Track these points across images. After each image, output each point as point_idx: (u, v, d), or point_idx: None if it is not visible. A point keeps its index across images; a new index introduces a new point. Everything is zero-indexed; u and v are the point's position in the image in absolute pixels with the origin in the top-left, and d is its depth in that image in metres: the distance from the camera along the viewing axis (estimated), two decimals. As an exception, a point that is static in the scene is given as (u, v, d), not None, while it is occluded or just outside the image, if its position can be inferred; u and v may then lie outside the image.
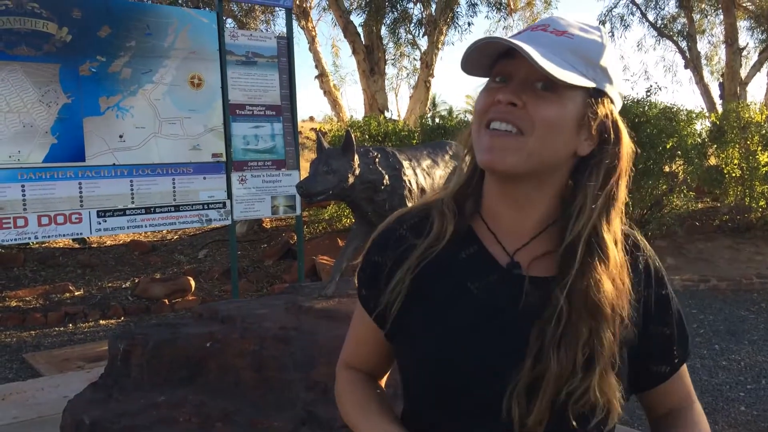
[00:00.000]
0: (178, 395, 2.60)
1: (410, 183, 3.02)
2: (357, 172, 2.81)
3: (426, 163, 3.19)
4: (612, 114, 0.90)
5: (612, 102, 0.90)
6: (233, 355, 2.66)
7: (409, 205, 3.02)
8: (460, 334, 0.90)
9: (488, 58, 0.89)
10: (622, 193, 0.91)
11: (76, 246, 8.85)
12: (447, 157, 3.31)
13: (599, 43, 0.88)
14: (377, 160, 2.92)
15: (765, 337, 5.52)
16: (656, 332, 0.96)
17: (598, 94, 0.88)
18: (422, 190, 3.10)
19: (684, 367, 1.02)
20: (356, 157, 2.82)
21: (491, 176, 0.92)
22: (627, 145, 0.91)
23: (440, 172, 3.23)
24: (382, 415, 0.96)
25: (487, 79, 0.92)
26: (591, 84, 0.86)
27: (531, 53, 0.81)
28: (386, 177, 2.92)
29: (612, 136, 0.90)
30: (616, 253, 0.88)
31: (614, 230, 0.90)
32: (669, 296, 0.98)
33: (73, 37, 4.49)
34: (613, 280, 0.87)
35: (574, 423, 0.83)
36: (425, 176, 3.13)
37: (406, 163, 3.04)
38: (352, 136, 2.79)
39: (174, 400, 2.56)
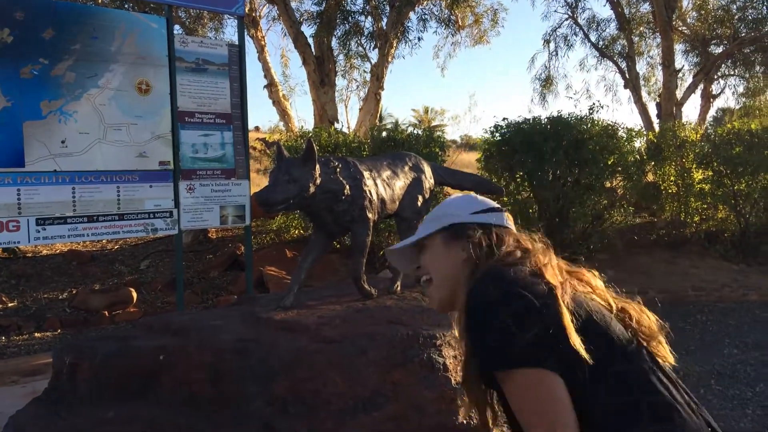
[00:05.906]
0: (128, 410, 2.49)
1: (371, 193, 3.01)
2: (318, 181, 2.79)
3: (386, 173, 3.18)
4: (483, 227, 1.42)
5: (476, 223, 1.43)
6: (188, 368, 2.57)
7: (369, 215, 3.04)
8: None
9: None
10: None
11: (9, 256, 8.42)
12: (407, 168, 3.32)
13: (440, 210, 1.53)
14: (338, 170, 2.90)
15: (700, 347, 5.74)
16: None
17: (453, 227, 1.44)
18: (382, 201, 3.09)
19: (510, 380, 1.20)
20: (317, 166, 2.79)
21: None
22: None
23: (400, 183, 3.23)
24: None
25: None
26: (439, 227, 1.47)
27: (396, 247, 1.57)
28: (347, 187, 2.90)
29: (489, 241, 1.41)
30: None
31: None
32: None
33: (14, 39, 4.30)
34: None
35: None
36: (385, 187, 3.13)
37: (366, 174, 3.03)
38: (314, 145, 2.76)
39: (125, 416, 2.45)
